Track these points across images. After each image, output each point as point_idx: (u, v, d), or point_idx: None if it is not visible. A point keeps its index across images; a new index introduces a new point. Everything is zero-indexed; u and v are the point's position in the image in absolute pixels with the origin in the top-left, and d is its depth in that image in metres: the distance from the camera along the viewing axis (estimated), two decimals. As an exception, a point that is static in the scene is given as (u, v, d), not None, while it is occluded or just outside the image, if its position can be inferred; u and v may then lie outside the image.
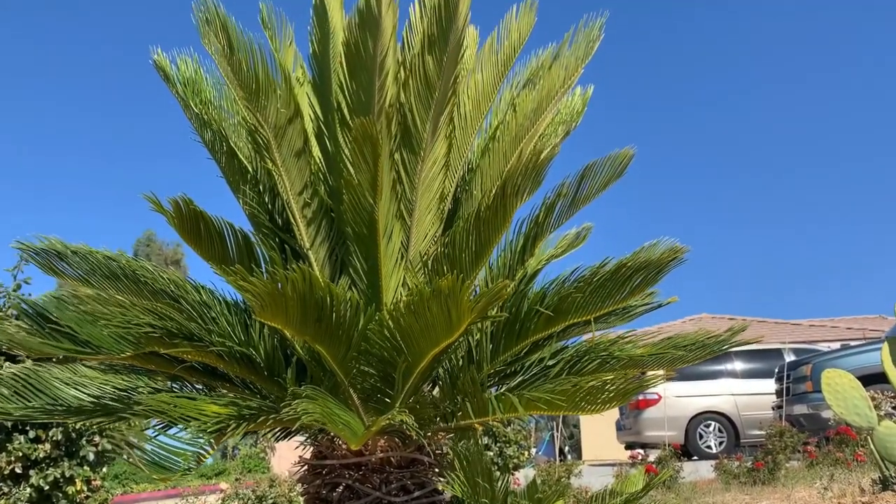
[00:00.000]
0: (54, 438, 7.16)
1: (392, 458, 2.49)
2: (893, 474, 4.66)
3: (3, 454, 6.96)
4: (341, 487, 2.47)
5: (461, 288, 1.81)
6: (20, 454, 7.01)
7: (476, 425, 2.42)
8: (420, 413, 2.16)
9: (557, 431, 16.05)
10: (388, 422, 1.93)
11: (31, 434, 7.15)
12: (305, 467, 2.59)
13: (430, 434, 2.34)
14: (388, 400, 2.37)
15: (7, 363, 6.93)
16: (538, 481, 2.57)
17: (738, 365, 12.15)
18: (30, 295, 7.79)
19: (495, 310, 2.03)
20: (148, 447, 1.74)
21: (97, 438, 7.42)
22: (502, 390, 2.54)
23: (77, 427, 7.29)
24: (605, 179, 2.41)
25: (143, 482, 18.97)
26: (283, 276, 1.76)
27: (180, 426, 1.99)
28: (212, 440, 1.80)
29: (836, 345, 12.68)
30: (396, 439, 2.50)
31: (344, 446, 2.52)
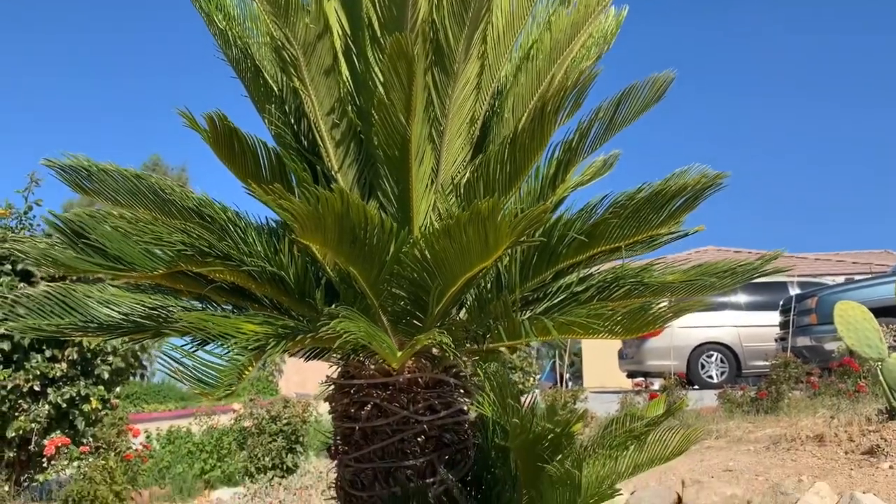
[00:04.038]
0: (70, 358, 7.30)
1: (420, 379, 2.52)
2: (900, 404, 4.74)
3: (22, 372, 7.10)
4: (369, 406, 2.51)
5: (500, 211, 1.79)
6: (38, 373, 7.15)
7: (503, 349, 2.45)
8: (452, 335, 2.17)
9: (560, 360, 16.32)
10: (429, 340, 1.95)
11: (48, 353, 7.28)
12: (333, 387, 2.62)
13: (460, 356, 2.36)
14: (417, 323, 2.38)
15: (22, 284, 6.98)
16: (556, 406, 2.61)
17: (743, 297, 12.23)
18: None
19: (533, 234, 2.01)
20: (188, 363, 1.76)
21: (111, 358, 7.56)
22: (527, 316, 2.55)
23: (91, 347, 7.41)
24: (644, 103, 2.35)
25: (154, 402, 19.48)
26: (322, 196, 1.73)
27: (216, 344, 2.00)
28: (252, 357, 1.81)
29: (842, 279, 12.74)
30: (424, 361, 2.53)
31: (372, 367, 2.54)
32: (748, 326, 11.85)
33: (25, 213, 7.58)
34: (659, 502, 3.41)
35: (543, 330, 2.09)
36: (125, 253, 2.03)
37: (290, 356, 2.61)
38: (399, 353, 1.95)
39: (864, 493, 2.99)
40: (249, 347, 1.82)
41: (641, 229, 2.23)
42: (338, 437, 2.63)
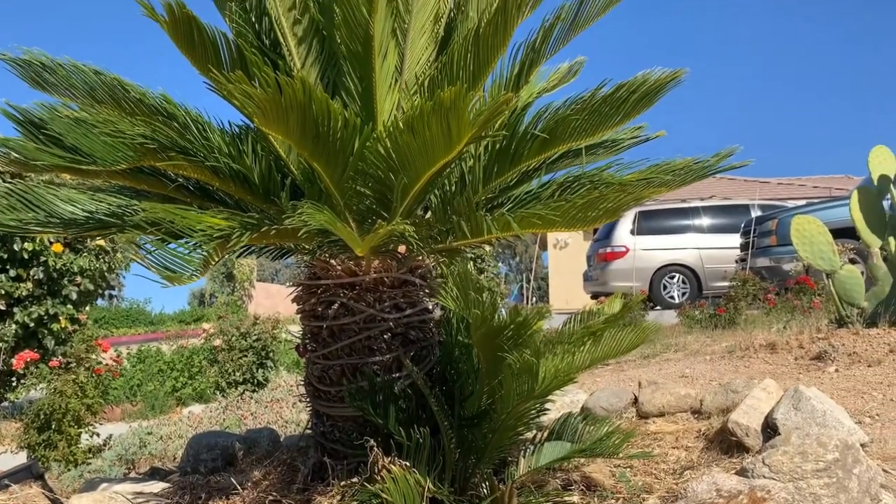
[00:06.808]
0: (35, 277, 7.24)
1: (385, 279, 2.57)
2: (849, 314, 4.95)
3: (-15, 292, 7.04)
4: (336, 305, 2.56)
5: (464, 100, 1.81)
6: (2, 292, 7.09)
7: (467, 247, 2.50)
8: (416, 233, 2.21)
9: (527, 283, 16.61)
10: (392, 228, 1.98)
11: (12, 273, 7.22)
12: (301, 288, 2.67)
13: (424, 252, 2.41)
14: (382, 222, 2.41)
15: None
16: (518, 307, 2.68)
17: (706, 220, 12.48)
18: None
19: (497, 126, 2.04)
20: (154, 251, 1.78)
21: (79, 279, 7.52)
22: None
23: (57, 266, 7.35)
24: (606, 2, 2.35)
25: (123, 327, 19.50)
26: (284, 82, 1.73)
27: (181, 240, 2.02)
28: (216, 246, 1.84)
29: (803, 202, 13.00)
30: (389, 261, 2.58)
31: (339, 268, 2.59)
32: (710, 248, 12.13)
33: (-19, 129, 7.35)
34: (616, 401, 3.56)
35: (505, 225, 2.14)
36: (85, 145, 2.02)
37: (258, 258, 2.63)
38: (364, 240, 1.99)
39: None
40: (214, 236, 1.84)
41: (603, 126, 2.26)
42: (306, 336, 2.69)
